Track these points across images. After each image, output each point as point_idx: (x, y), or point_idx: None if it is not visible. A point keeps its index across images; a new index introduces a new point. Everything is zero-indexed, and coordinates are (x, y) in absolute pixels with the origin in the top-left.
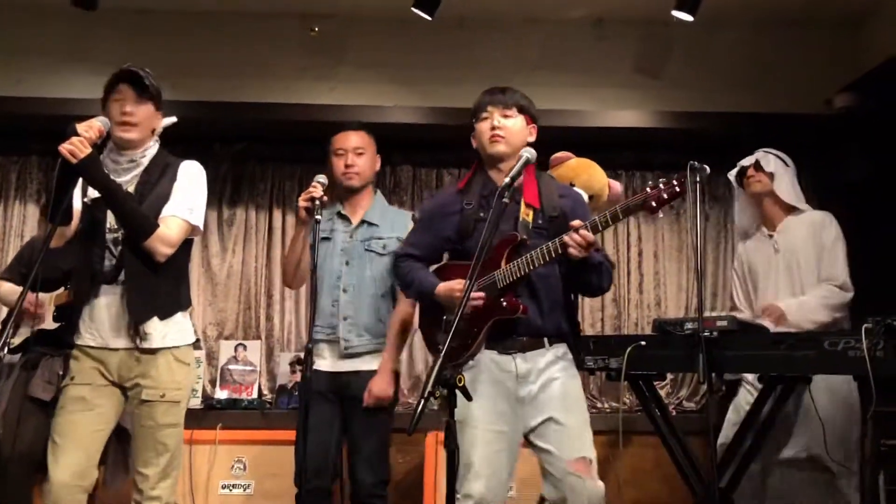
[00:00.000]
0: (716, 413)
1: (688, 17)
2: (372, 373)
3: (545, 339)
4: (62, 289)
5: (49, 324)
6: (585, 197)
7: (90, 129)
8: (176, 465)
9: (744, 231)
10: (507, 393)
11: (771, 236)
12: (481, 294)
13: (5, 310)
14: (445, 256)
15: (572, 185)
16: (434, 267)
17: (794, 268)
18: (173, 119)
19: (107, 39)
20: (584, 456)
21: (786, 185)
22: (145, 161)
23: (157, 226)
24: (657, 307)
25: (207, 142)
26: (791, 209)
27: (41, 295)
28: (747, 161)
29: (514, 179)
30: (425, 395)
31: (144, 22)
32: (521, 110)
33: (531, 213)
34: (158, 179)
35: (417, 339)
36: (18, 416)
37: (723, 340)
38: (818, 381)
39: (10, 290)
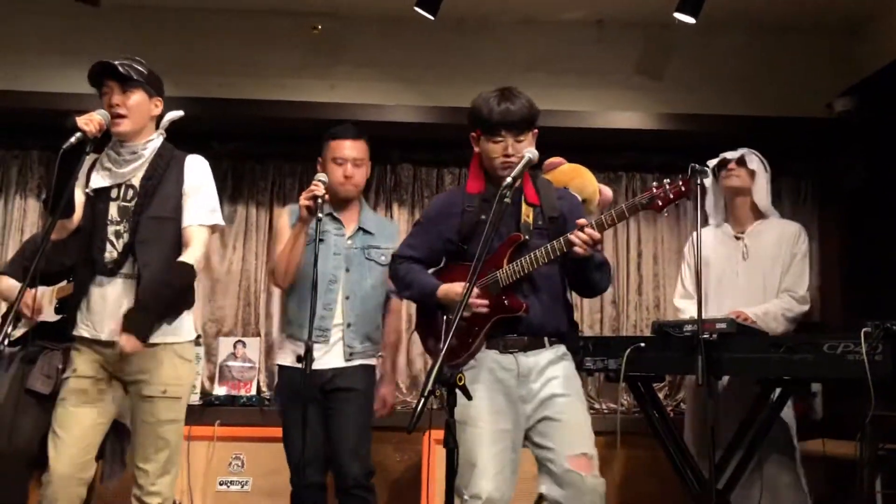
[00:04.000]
0: (714, 416)
1: (690, 20)
2: (356, 367)
3: (545, 339)
4: (65, 282)
5: (51, 316)
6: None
7: (90, 122)
8: (176, 461)
9: (707, 220)
10: (509, 391)
11: (738, 238)
12: (485, 301)
13: (5, 304)
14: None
15: (565, 188)
16: (433, 270)
17: (760, 275)
18: (179, 113)
19: (106, 35)
20: (584, 452)
21: (762, 186)
22: (147, 153)
23: (192, 268)
24: (656, 309)
25: (207, 139)
26: (759, 215)
27: (41, 291)
28: (731, 154)
29: (515, 179)
30: (425, 394)
31: (144, 18)
32: (531, 127)
33: (531, 213)
34: (163, 176)
35: (415, 338)
36: (15, 410)
37: (722, 343)
38: None
39: (11, 285)
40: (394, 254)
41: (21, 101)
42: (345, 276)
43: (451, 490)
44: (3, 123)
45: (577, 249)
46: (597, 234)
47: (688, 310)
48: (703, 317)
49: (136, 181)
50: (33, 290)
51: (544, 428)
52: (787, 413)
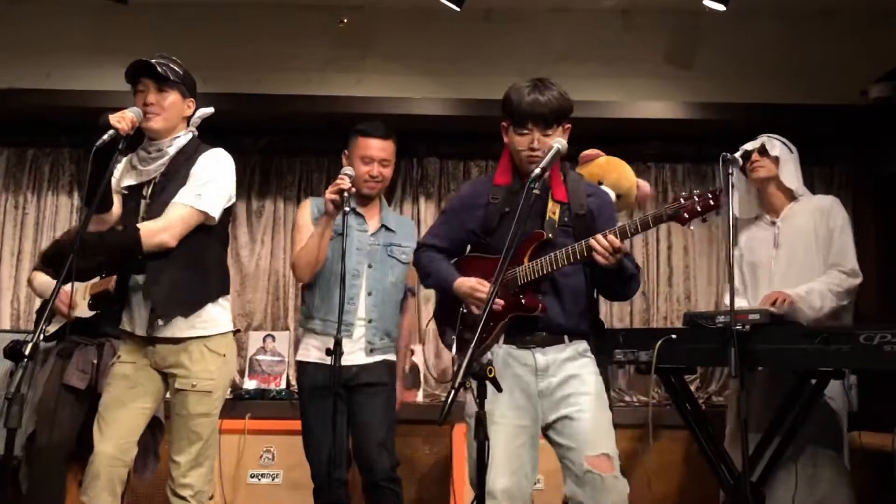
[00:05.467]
0: (746, 408)
1: (720, 7)
2: (380, 363)
3: (565, 336)
4: (97, 278)
5: (84, 312)
6: (613, 196)
7: (122, 119)
8: (209, 455)
9: (745, 219)
10: (526, 387)
11: (773, 223)
12: (500, 302)
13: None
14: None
15: (601, 183)
16: (455, 259)
17: (795, 258)
18: (210, 110)
19: (134, 32)
20: (604, 452)
21: (789, 170)
22: (172, 150)
23: (137, 231)
24: (686, 301)
25: (235, 134)
26: (792, 198)
27: (75, 287)
28: (751, 145)
29: (544, 170)
30: (455, 387)
31: (171, 15)
32: (560, 121)
33: (558, 209)
34: (179, 169)
35: None
36: (55, 405)
37: (755, 334)
38: None
39: (46, 280)
40: (419, 241)
41: (52, 99)
42: (367, 271)
43: (482, 482)
44: (35, 121)
45: (598, 257)
46: (617, 242)
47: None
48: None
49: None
50: (68, 287)
51: (563, 427)
52: (838, 405)
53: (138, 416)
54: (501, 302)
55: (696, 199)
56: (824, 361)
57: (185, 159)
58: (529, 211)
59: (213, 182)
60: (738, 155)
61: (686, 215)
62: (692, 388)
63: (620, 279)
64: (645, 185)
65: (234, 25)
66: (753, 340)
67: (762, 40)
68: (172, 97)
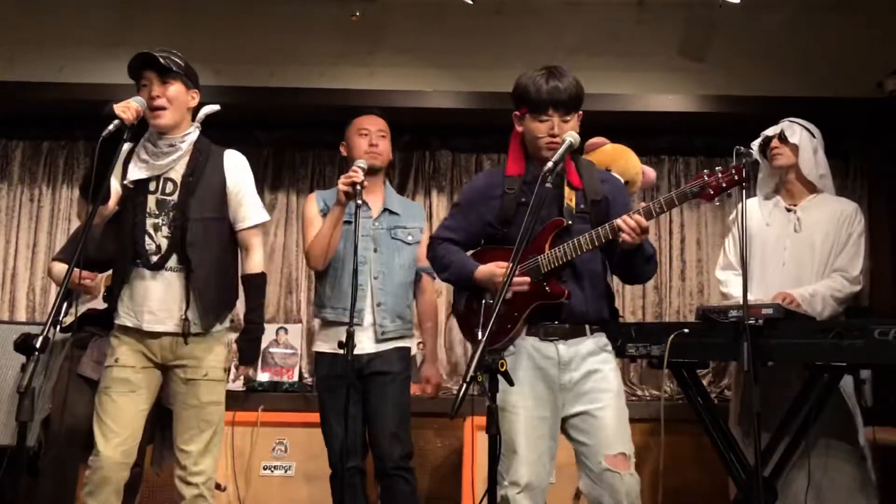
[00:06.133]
0: (759, 402)
1: None
2: (392, 350)
3: (586, 327)
4: (112, 270)
5: (99, 304)
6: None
7: (127, 109)
8: (217, 442)
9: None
10: (549, 379)
11: (790, 210)
12: (526, 279)
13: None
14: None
15: (608, 170)
16: (469, 252)
17: (809, 250)
18: (216, 107)
19: (147, 26)
20: (622, 451)
21: (808, 157)
22: (185, 146)
23: (261, 276)
24: (699, 295)
25: (247, 128)
26: (813, 189)
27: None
28: (772, 131)
29: (556, 164)
30: (467, 380)
31: (184, 8)
32: (578, 107)
33: (574, 197)
34: (203, 172)
35: (453, 323)
36: (67, 394)
37: (768, 328)
38: None
39: (64, 269)
40: (432, 235)
41: (66, 93)
42: (373, 256)
43: (494, 476)
44: (50, 114)
45: (625, 237)
46: (644, 222)
47: (729, 281)
48: (749, 294)
49: (174, 175)
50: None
51: (582, 423)
52: (851, 401)
53: (139, 420)
54: (527, 279)
55: (720, 174)
56: (838, 356)
57: (205, 160)
58: (544, 201)
59: (254, 187)
60: (758, 141)
61: (711, 191)
62: (704, 382)
63: (641, 259)
64: (650, 172)
65: (247, 19)
66: (766, 335)
67: (776, 33)
68: (176, 88)
